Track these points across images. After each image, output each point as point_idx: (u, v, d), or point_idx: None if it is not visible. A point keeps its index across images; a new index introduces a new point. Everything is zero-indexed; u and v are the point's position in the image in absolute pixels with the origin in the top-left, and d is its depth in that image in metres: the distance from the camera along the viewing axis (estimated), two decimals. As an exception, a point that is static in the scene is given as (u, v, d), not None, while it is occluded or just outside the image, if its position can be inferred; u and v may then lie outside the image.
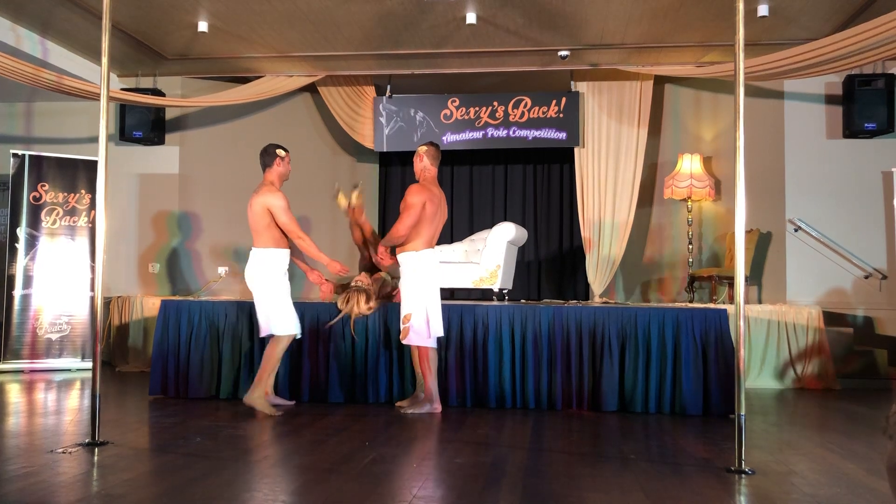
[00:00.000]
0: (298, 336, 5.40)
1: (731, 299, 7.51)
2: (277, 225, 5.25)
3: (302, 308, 5.88)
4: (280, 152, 5.44)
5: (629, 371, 5.52)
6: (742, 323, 3.77)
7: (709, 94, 8.48)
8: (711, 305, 6.76)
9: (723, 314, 5.54)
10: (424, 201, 5.18)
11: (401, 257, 5.27)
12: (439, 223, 5.39)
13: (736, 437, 3.66)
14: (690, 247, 8.10)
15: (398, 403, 5.50)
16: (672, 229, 8.54)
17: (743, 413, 3.66)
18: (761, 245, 7.82)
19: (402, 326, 5.24)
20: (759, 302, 7.72)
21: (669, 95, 8.62)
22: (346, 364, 5.77)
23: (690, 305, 6.76)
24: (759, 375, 6.74)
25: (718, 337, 5.47)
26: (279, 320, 5.21)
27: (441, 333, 5.33)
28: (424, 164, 5.38)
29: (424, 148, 5.43)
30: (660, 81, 8.37)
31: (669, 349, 5.49)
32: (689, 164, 8.01)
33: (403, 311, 5.23)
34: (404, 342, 5.28)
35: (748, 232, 7.40)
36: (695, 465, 3.87)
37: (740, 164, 3.77)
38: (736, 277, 3.80)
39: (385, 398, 5.72)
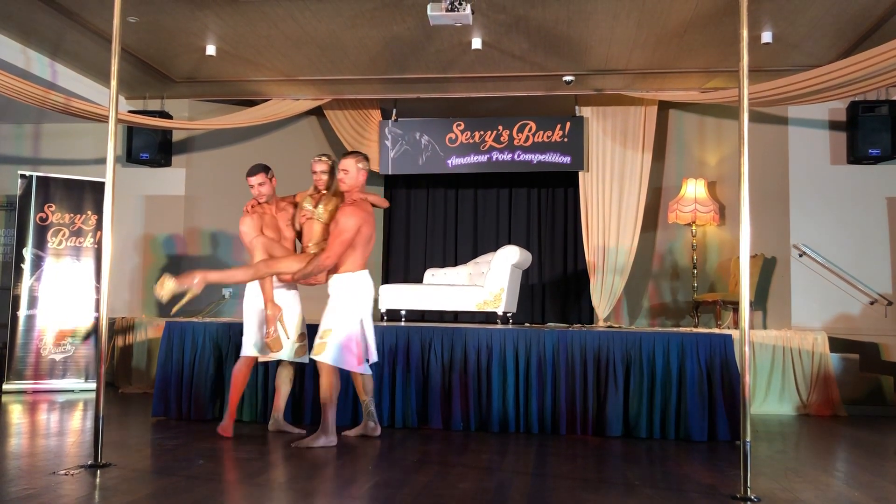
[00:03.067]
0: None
1: (736, 324, 7.49)
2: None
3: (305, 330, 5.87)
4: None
5: (634, 396, 5.49)
6: (747, 348, 3.75)
7: (713, 120, 8.51)
8: (716, 330, 6.74)
9: (728, 339, 5.53)
10: (360, 224, 4.78)
11: (336, 278, 4.85)
12: (372, 243, 5.01)
13: (741, 463, 3.63)
14: (695, 271, 8.09)
15: (345, 433, 5.13)
16: (676, 254, 8.54)
17: (748, 439, 3.64)
18: (766, 270, 7.81)
19: (317, 341, 4.78)
20: (764, 327, 7.69)
21: (674, 120, 8.65)
22: (348, 387, 5.74)
23: (695, 330, 6.75)
24: (764, 401, 6.71)
25: (723, 362, 5.44)
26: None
27: (375, 358, 5.03)
28: (360, 181, 4.95)
29: (362, 164, 4.98)
30: (664, 106, 8.41)
31: (674, 374, 5.47)
32: (694, 189, 8.02)
33: (324, 326, 4.79)
34: (317, 359, 4.75)
35: (753, 257, 7.41)
36: (700, 491, 3.84)
37: (745, 189, 3.78)
38: (741, 302, 3.80)
39: (387, 421, 5.70)
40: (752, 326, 6.08)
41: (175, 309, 4.83)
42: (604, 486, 4.01)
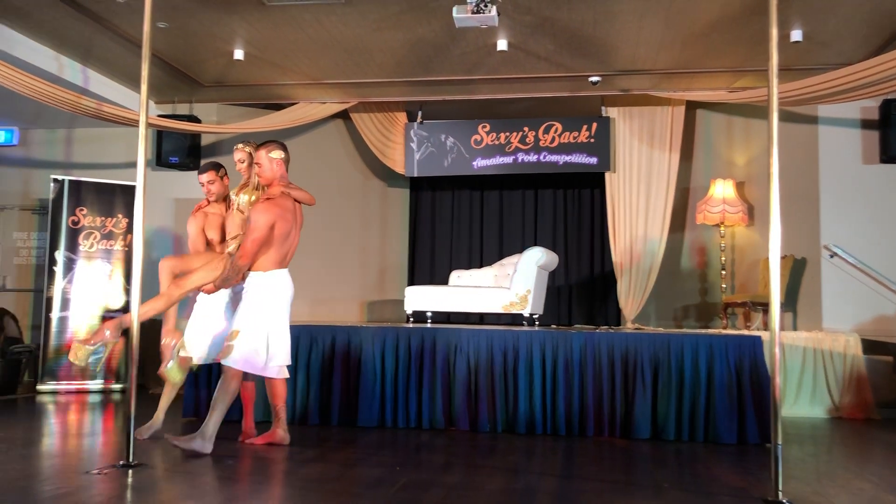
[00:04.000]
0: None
1: (766, 326, 7.40)
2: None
3: (333, 331, 5.92)
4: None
5: (662, 398, 5.46)
6: (777, 350, 3.72)
7: (741, 119, 8.43)
8: (745, 332, 6.67)
9: (757, 341, 5.47)
10: (273, 221, 4.55)
11: (250, 277, 4.63)
12: (294, 240, 4.78)
13: (772, 466, 3.60)
14: (723, 272, 8.01)
15: (251, 440, 4.90)
16: (705, 255, 8.47)
17: (780, 442, 3.60)
18: (796, 271, 7.71)
19: (225, 343, 4.56)
20: (795, 329, 7.60)
21: (701, 120, 8.58)
22: (375, 387, 5.78)
23: (724, 332, 6.69)
24: (794, 404, 6.62)
25: (753, 364, 5.39)
26: None
27: (289, 362, 4.75)
28: (282, 173, 4.75)
29: (281, 153, 4.75)
30: (691, 106, 8.34)
31: (703, 376, 5.42)
32: (722, 190, 7.95)
33: (233, 327, 4.57)
34: (224, 362, 4.51)
35: (783, 258, 7.31)
36: (730, 494, 3.80)
37: (775, 189, 3.75)
38: (771, 304, 3.76)
39: (414, 423, 5.71)
40: (782, 328, 6.01)
41: (99, 366, 4.77)
42: (632, 489, 3.99)
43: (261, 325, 4.55)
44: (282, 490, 3.77)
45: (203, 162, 5.36)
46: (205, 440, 4.46)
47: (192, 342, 5.04)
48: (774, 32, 3.80)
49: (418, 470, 4.34)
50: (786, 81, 6.48)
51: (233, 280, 4.59)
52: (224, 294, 4.99)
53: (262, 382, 4.91)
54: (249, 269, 4.62)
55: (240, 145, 5.02)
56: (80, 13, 6.16)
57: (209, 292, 4.77)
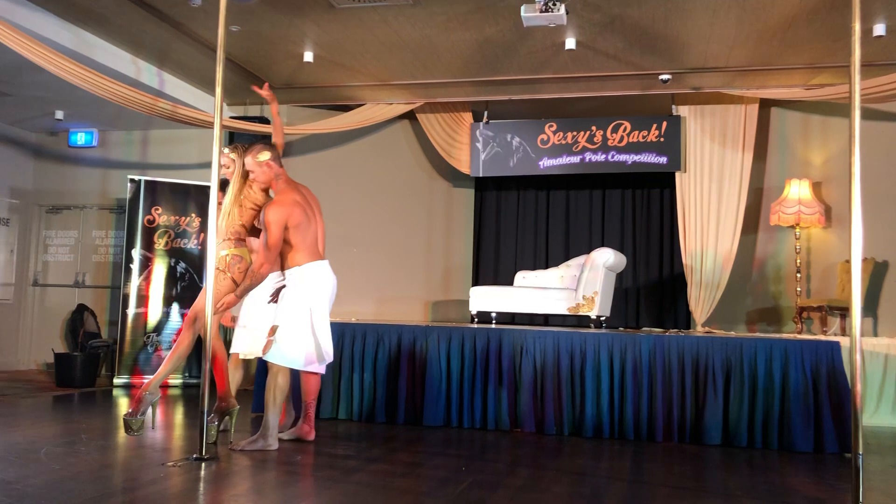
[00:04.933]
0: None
1: (844, 331, 7.15)
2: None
3: (399, 330, 5.96)
4: None
5: (734, 403, 5.32)
6: (858, 356, 3.58)
7: (818, 118, 8.16)
8: (822, 337, 6.46)
9: (835, 346, 5.29)
10: (285, 217, 4.48)
11: (287, 274, 4.63)
12: (317, 227, 4.72)
13: (852, 477, 3.46)
14: (798, 275, 7.77)
15: (279, 435, 4.74)
16: (779, 257, 8.22)
17: (860, 452, 3.46)
18: (877, 275, 7.42)
19: (266, 338, 4.59)
20: (875, 335, 7.31)
21: (776, 119, 8.34)
22: (441, 387, 5.79)
23: (799, 337, 6.48)
24: (875, 412, 6.37)
25: (830, 370, 5.21)
26: None
27: (330, 358, 4.73)
28: (276, 171, 4.66)
29: (268, 154, 4.64)
30: (765, 104, 8.11)
31: (777, 382, 5.27)
32: (798, 190, 7.70)
33: (273, 323, 4.58)
34: (266, 358, 4.54)
35: (863, 260, 7.05)
36: (807, 505, 3.68)
37: (856, 190, 3.61)
38: (852, 308, 3.62)
39: (480, 423, 5.70)
40: (862, 333, 5.80)
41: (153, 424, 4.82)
42: (703, 495, 3.89)
43: (301, 320, 4.55)
44: (348, 487, 3.80)
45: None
46: (267, 439, 4.53)
47: (237, 337, 5.19)
48: (857, 27, 3.66)
49: (484, 471, 4.33)
50: (868, 77, 6.24)
51: (255, 287, 4.60)
52: (269, 287, 5.01)
53: (296, 376, 4.89)
54: (286, 267, 4.61)
55: (225, 150, 4.83)
56: (156, 18, 6.35)
57: (230, 304, 4.63)
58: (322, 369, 4.77)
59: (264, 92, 5.01)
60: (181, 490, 3.64)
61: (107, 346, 8.25)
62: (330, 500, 3.53)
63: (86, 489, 3.52)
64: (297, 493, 3.60)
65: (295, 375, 4.87)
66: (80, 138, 9.33)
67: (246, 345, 5.20)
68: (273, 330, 4.54)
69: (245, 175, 4.79)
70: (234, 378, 5.39)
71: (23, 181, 9.49)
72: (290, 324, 4.52)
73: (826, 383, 5.19)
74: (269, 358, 4.52)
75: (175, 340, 5.15)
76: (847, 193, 3.66)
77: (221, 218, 4.73)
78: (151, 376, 4.66)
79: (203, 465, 4.09)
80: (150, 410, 4.60)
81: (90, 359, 7.88)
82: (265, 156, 4.66)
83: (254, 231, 4.84)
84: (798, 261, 7.79)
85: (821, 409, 5.16)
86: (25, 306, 9.43)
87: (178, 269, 8.09)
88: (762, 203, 8.26)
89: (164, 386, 7.75)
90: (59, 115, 8.55)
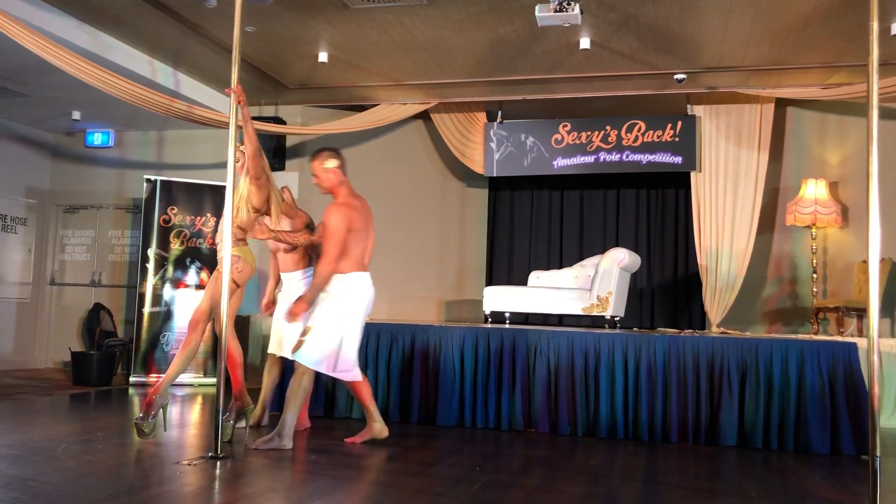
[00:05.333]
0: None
1: (861, 332, 7.10)
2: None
3: (413, 330, 5.97)
4: None
5: (749, 405, 5.29)
6: (876, 357, 3.55)
7: (835, 117, 8.10)
8: (839, 338, 6.41)
9: (852, 347, 5.25)
10: (349, 222, 4.56)
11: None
12: (369, 241, 4.77)
13: (869, 479, 3.43)
14: (815, 276, 7.72)
15: (349, 439, 4.84)
16: (795, 257, 8.17)
17: (878, 454, 3.44)
18: (894, 275, 7.35)
19: (297, 338, 4.62)
20: (893, 335, 7.25)
21: (792, 118, 8.29)
22: (454, 387, 5.79)
23: (816, 337, 6.43)
24: (893, 414, 6.31)
25: (847, 371, 5.17)
26: None
27: (348, 368, 4.71)
28: (341, 178, 4.75)
29: (335, 162, 4.74)
30: (781, 104, 8.06)
31: (793, 383, 5.23)
32: (814, 190, 7.65)
33: (307, 324, 4.59)
34: (293, 356, 4.57)
35: (881, 261, 6.99)
36: (823, 507, 3.66)
37: (873, 189, 3.58)
38: (869, 309, 3.59)
39: (494, 423, 5.70)
40: (880, 334, 5.75)
41: (165, 427, 4.85)
42: (718, 497, 3.88)
43: (335, 327, 4.57)
44: (363, 486, 3.82)
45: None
46: (282, 438, 4.53)
47: (272, 336, 5.29)
48: (875, 26, 3.63)
49: (498, 471, 4.33)
50: (885, 77, 6.19)
51: (321, 286, 4.57)
52: (299, 290, 5.10)
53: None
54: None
55: (239, 145, 4.82)
56: (172, 19, 6.38)
57: (302, 312, 4.55)
58: (353, 376, 4.75)
59: (236, 92, 4.54)
60: (197, 489, 3.66)
61: (123, 345, 8.31)
62: (344, 499, 3.54)
63: (102, 487, 3.55)
64: (312, 492, 3.61)
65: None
66: (97, 138, 9.40)
67: (274, 344, 5.34)
68: (306, 331, 4.57)
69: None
70: (272, 377, 5.47)
71: (40, 181, 9.57)
72: (322, 328, 4.55)
73: (843, 385, 5.15)
74: (297, 357, 4.54)
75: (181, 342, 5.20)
76: (864, 193, 3.63)
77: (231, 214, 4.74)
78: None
79: (218, 463, 4.11)
80: (161, 413, 4.65)
81: (106, 357, 7.94)
82: (332, 163, 4.75)
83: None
84: (814, 261, 7.74)
85: (837, 411, 5.12)
86: (43, 305, 9.52)
87: (193, 268, 8.14)
88: (778, 203, 8.21)
89: (178, 385, 7.80)
90: (76, 115, 8.62)
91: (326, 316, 4.57)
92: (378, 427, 4.88)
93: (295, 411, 4.58)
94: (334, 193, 4.76)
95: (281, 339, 5.29)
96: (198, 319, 4.68)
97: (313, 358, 4.53)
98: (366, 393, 4.87)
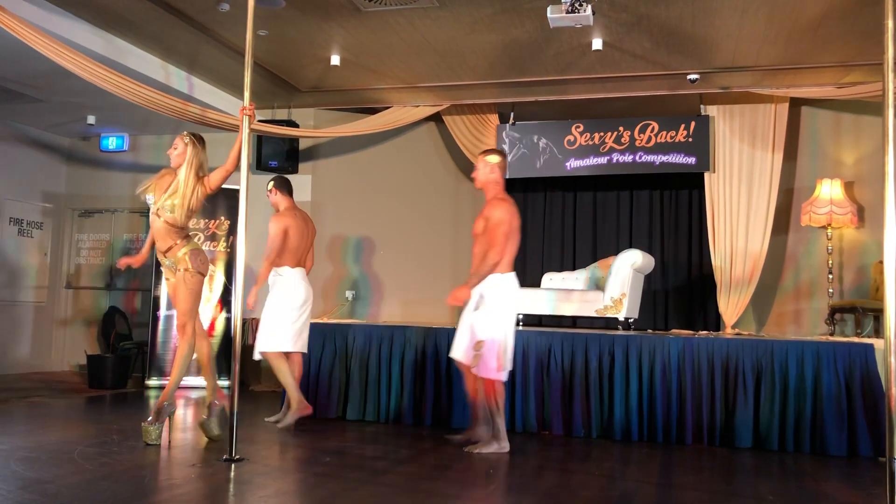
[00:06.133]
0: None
1: (878, 333, 7.04)
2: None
3: (426, 332, 5.97)
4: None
5: (765, 406, 5.25)
6: (893, 358, 3.51)
7: (850, 116, 8.04)
8: (856, 339, 6.35)
9: (869, 349, 5.20)
10: (511, 217, 4.76)
11: (488, 278, 4.73)
12: (517, 240, 4.91)
13: (887, 482, 3.40)
14: (830, 276, 7.66)
15: (468, 448, 4.81)
16: (810, 258, 8.11)
17: (895, 456, 3.40)
18: (911, 275, 7.29)
19: (472, 353, 4.73)
20: (909, 336, 7.17)
21: (806, 118, 8.23)
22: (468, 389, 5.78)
23: (832, 339, 6.38)
24: (909, 416, 6.25)
25: (864, 373, 5.13)
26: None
27: (510, 367, 4.84)
28: (496, 177, 4.90)
29: (497, 158, 4.92)
30: (796, 103, 8.01)
31: (809, 385, 5.20)
32: (829, 190, 7.60)
33: (478, 337, 4.69)
34: (477, 373, 4.71)
35: (896, 261, 6.93)
36: (840, 509, 3.63)
37: (890, 188, 3.55)
38: (886, 309, 3.56)
39: (508, 425, 5.65)
40: None
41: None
42: (734, 499, 3.85)
43: (500, 330, 4.69)
44: (376, 489, 3.82)
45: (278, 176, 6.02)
46: (500, 441, 4.73)
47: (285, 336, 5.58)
48: (890, 24, 3.60)
49: (512, 473, 4.32)
50: (900, 75, 6.13)
51: (485, 274, 4.67)
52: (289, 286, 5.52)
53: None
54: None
55: (184, 135, 5.02)
56: (185, 23, 6.42)
57: (463, 298, 4.72)
58: (505, 377, 4.82)
59: (249, 114, 4.83)
60: (213, 491, 3.67)
61: (138, 348, 8.35)
62: (358, 501, 3.54)
63: (119, 489, 3.57)
64: (326, 495, 3.61)
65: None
66: (112, 143, 9.46)
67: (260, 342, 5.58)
68: (479, 345, 4.67)
69: (198, 168, 4.92)
70: (295, 374, 5.65)
71: (56, 185, 9.65)
72: (492, 336, 4.66)
73: (860, 386, 5.11)
74: (479, 373, 4.68)
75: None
76: (880, 193, 3.60)
77: (177, 208, 4.82)
78: (184, 378, 4.74)
79: (233, 466, 4.13)
80: (168, 420, 4.79)
81: (122, 360, 7.99)
82: (495, 158, 4.94)
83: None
84: (830, 262, 7.68)
85: (854, 413, 5.08)
86: (58, 308, 9.59)
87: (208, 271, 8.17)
88: (793, 203, 8.16)
89: (192, 388, 7.84)
90: (91, 120, 8.68)
91: (492, 323, 4.68)
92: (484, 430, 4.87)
93: (502, 416, 4.74)
94: (486, 189, 4.93)
95: (273, 334, 5.52)
96: (184, 323, 4.82)
97: (493, 370, 4.65)
98: (501, 395, 4.87)
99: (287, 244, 5.61)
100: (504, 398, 4.80)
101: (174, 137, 5.16)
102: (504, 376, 4.76)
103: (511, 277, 4.78)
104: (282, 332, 5.53)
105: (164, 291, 8.02)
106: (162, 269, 4.91)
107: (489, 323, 4.68)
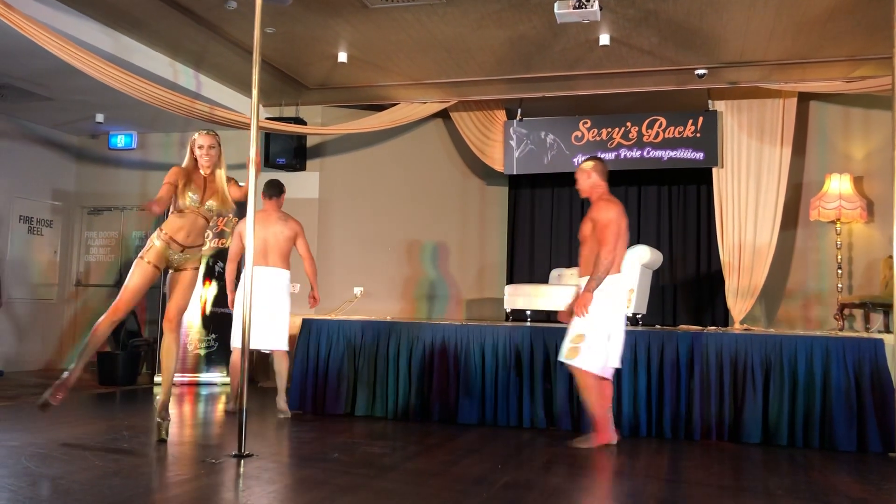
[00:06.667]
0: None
1: (888, 328, 7.01)
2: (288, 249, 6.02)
3: (433, 328, 5.98)
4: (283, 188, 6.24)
5: (773, 402, 5.24)
6: (903, 354, 3.51)
7: (859, 111, 8.00)
8: (865, 334, 6.33)
9: (878, 344, 5.18)
10: (619, 216, 4.80)
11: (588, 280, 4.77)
12: (627, 241, 4.94)
13: (897, 477, 3.40)
14: (840, 271, 7.63)
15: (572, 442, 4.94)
16: (819, 253, 8.08)
17: (905, 451, 3.40)
18: (921, 270, 7.25)
19: (570, 345, 4.78)
20: (919, 331, 7.15)
21: (815, 112, 8.19)
22: (475, 385, 5.79)
23: (841, 334, 6.36)
24: (919, 411, 6.23)
25: (874, 368, 5.11)
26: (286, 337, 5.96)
27: (618, 364, 4.91)
28: (594, 181, 4.98)
29: (591, 164, 5.03)
30: (804, 98, 7.98)
31: (818, 380, 5.18)
32: (838, 185, 7.56)
33: (577, 331, 4.76)
34: (567, 362, 4.80)
35: (906, 256, 6.90)
36: (850, 505, 3.62)
37: (900, 183, 3.54)
38: (895, 304, 3.55)
39: (515, 421, 5.70)
40: (905, 331, 5.67)
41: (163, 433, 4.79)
42: (743, 495, 3.85)
43: (603, 327, 4.74)
44: (385, 484, 3.83)
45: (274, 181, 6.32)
46: (598, 432, 4.79)
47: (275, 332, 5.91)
48: (900, 17, 3.59)
49: (520, 469, 4.33)
50: (910, 69, 6.10)
51: (602, 278, 4.69)
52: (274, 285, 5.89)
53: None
54: (585, 274, 4.84)
55: (204, 131, 4.88)
56: (193, 21, 6.44)
57: (587, 305, 4.71)
58: (609, 375, 4.87)
59: (256, 164, 4.69)
60: (223, 486, 3.70)
61: (147, 345, 8.39)
62: (366, 497, 3.55)
63: (129, 485, 3.59)
64: (334, 490, 3.63)
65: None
66: (120, 140, 9.50)
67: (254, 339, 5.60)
68: (579, 337, 4.73)
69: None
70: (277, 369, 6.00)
71: (65, 184, 9.69)
72: (594, 331, 4.71)
73: (869, 381, 5.09)
74: (576, 364, 4.73)
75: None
76: (890, 187, 3.58)
77: (216, 208, 4.82)
78: (189, 375, 4.76)
79: (242, 461, 4.15)
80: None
81: (131, 357, 8.03)
82: (588, 164, 5.03)
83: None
84: (839, 257, 7.65)
85: (864, 408, 5.06)
86: (68, 306, 9.64)
87: (217, 268, 8.19)
88: (801, 198, 8.13)
89: (203, 384, 7.88)
90: (100, 118, 8.72)
91: (599, 320, 4.72)
92: (610, 434, 4.89)
93: (599, 408, 4.78)
94: (591, 195, 5.01)
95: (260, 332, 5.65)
96: (182, 319, 4.91)
97: (594, 363, 4.72)
98: (610, 396, 4.94)
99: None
100: (598, 394, 4.79)
101: (183, 135, 5.17)
102: (603, 373, 4.78)
103: (619, 278, 4.82)
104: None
105: (173, 288, 8.04)
106: (172, 259, 4.81)
107: (589, 320, 4.72)
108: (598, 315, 4.72)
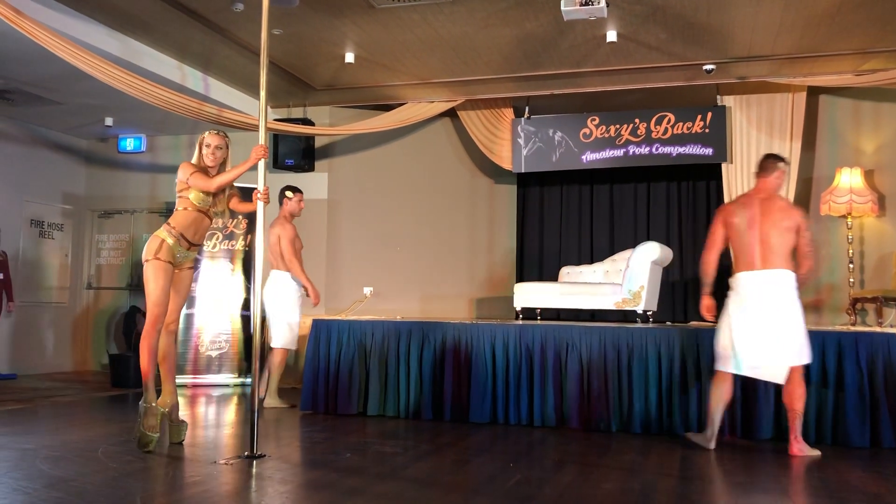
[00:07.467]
0: (293, 349, 6.51)
1: (900, 322, 6.97)
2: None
3: (444, 327, 5.98)
4: (288, 193, 6.48)
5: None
6: (916, 348, 3.48)
7: (870, 104, 7.95)
8: (878, 329, 6.29)
9: (892, 338, 5.14)
10: (722, 218, 4.94)
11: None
12: (752, 239, 4.83)
13: (911, 472, 3.37)
14: (851, 266, 7.59)
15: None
16: (830, 247, 8.03)
17: (919, 446, 3.37)
18: (933, 264, 7.22)
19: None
20: (932, 326, 7.11)
21: (825, 106, 8.15)
22: (487, 384, 5.79)
23: (853, 329, 6.32)
24: (933, 406, 6.19)
25: (887, 363, 5.08)
26: (278, 334, 6.35)
27: (756, 362, 4.69)
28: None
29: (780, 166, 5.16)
30: (814, 92, 7.94)
31: (831, 375, 5.15)
32: (849, 179, 7.52)
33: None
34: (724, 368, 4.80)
35: (918, 250, 6.86)
36: (863, 500, 3.60)
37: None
38: (908, 299, 3.53)
39: (526, 420, 5.69)
40: (918, 325, 5.62)
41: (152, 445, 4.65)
42: (755, 491, 3.83)
43: (725, 323, 4.79)
44: (397, 484, 3.83)
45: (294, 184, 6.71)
46: (710, 430, 4.83)
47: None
48: (909, 9, 3.56)
49: (531, 467, 4.33)
50: (920, 61, 6.07)
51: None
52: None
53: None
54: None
55: (214, 132, 4.90)
56: (200, 24, 6.46)
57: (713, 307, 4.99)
58: (738, 370, 4.73)
59: (262, 199, 4.82)
60: (235, 487, 3.71)
61: (159, 347, 8.41)
62: (379, 496, 3.56)
63: (143, 487, 3.61)
64: (347, 490, 3.64)
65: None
66: (129, 144, 9.55)
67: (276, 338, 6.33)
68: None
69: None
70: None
71: (75, 187, 9.74)
72: (721, 331, 4.82)
73: (882, 377, 5.06)
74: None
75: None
76: (901, 181, 3.56)
77: (220, 205, 4.88)
78: (200, 377, 4.77)
79: (254, 462, 4.16)
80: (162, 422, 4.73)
81: (143, 359, 8.05)
82: (769, 164, 5.15)
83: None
84: (851, 251, 7.61)
85: (877, 403, 5.03)
86: (80, 309, 9.69)
87: (227, 270, 8.22)
88: (812, 193, 8.09)
89: (215, 385, 7.90)
90: (109, 121, 8.76)
91: (722, 319, 4.85)
92: (798, 446, 4.74)
93: (713, 406, 4.80)
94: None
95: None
96: (168, 322, 4.76)
97: (720, 361, 4.78)
98: (799, 396, 4.71)
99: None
100: (718, 393, 4.77)
101: (192, 138, 5.19)
102: (733, 369, 4.72)
103: (738, 278, 4.86)
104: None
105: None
106: (177, 256, 4.77)
107: (722, 321, 4.82)
108: (724, 315, 4.86)
